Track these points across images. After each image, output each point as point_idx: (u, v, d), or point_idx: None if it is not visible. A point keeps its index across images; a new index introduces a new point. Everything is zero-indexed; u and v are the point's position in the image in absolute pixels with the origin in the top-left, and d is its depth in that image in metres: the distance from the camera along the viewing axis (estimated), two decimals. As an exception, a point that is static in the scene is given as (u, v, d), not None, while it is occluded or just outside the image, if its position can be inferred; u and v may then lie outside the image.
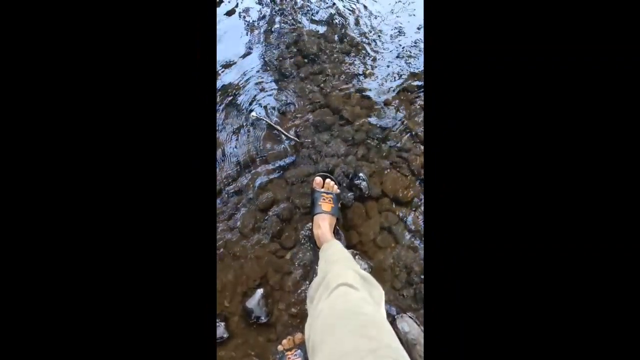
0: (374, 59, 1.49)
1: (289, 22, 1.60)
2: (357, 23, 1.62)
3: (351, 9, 1.68)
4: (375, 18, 1.65)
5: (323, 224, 1.06)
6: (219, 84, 1.39)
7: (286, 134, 1.24)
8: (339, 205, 1.14)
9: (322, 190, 1.12)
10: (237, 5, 1.70)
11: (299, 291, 1.09)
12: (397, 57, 1.51)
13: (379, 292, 0.72)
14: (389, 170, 1.24)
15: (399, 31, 1.59)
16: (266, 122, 1.26)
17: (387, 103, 1.36)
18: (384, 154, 1.26)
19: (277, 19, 1.63)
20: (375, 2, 1.71)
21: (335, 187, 1.15)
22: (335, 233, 1.11)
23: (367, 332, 0.52)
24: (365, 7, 1.69)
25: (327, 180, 1.15)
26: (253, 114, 1.23)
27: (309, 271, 1.12)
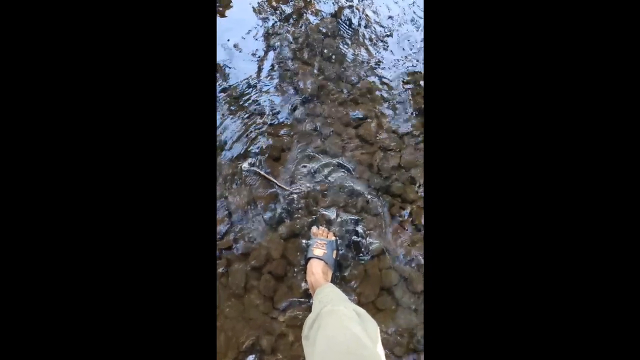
0: (377, 102, 1.40)
1: (290, 58, 1.52)
2: (358, 64, 1.53)
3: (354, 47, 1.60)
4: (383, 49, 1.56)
5: (316, 271, 1.02)
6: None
7: (280, 185, 1.17)
8: (335, 254, 1.07)
9: (317, 238, 1.09)
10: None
11: (294, 355, 1.03)
12: (400, 101, 1.42)
13: (374, 327, 0.71)
14: (390, 223, 1.16)
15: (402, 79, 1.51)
16: (259, 173, 1.18)
17: (389, 149, 1.28)
18: (386, 206, 1.18)
19: (278, 56, 1.55)
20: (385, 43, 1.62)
21: (331, 234, 1.11)
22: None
23: None
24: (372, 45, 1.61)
25: (323, 227, 1.12)
26: (244, 165, 1.15)
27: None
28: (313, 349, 0.60)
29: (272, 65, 1.48)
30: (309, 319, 0.73)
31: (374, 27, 1.63)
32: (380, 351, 0.68)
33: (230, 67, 1.48)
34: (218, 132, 1.29)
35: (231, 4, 1.71)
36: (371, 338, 0.64)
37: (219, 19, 1.65)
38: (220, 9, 1.69)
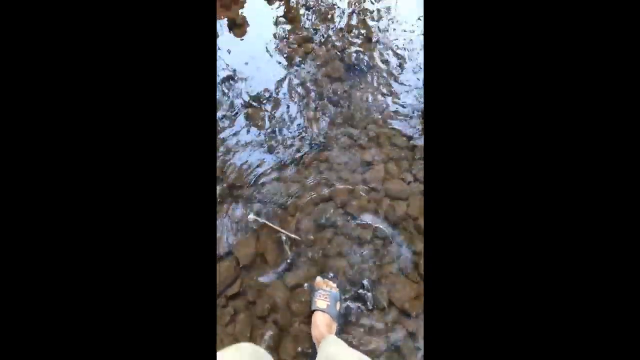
0: (382, 146, 1.41)
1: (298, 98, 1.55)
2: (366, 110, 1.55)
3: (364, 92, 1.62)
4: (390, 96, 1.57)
5: (320, 324, 1.02)
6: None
7: (286, 233, 1.18)
8: (338, 305, 1.06)
9: (320, 289, 1.08)
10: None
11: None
12: (408, 147, 1.42)
13: None
14: (397, 275, 1.15)
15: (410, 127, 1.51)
16: (265, 223, 1.19)
17: (396, 197, 1.27)
18: (392, 256, 1.17)
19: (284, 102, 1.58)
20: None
21: (334, 285, 1.10)
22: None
23: None
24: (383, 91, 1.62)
25: (327, 279, 1.11)
26: (251, 216, 1.17)
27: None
28: None
29: (281, 106, 1.51)
30: None
31: (383, 70, 1.65)
32: None
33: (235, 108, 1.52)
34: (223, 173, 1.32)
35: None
36: None
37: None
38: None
